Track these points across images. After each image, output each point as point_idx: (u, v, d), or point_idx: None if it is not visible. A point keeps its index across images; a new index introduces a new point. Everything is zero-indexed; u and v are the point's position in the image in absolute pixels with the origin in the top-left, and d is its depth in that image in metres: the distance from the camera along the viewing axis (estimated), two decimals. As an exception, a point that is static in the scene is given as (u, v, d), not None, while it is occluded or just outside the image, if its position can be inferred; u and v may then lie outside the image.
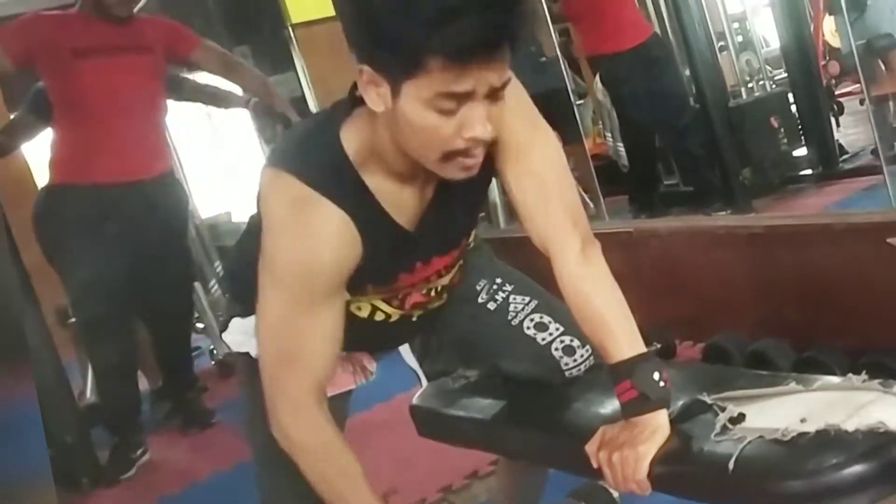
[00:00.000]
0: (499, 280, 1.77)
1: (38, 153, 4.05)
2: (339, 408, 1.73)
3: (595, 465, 1.43)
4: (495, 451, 1.98)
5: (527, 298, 1.75)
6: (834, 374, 2.44)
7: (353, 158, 1.38)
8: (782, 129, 5.12)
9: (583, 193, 4.75)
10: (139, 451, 3.62)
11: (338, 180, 1.37)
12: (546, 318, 1.72)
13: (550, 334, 1.71)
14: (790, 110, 5.24)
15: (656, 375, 1.39)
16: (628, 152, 5.24)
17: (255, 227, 1.56)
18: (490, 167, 1.47)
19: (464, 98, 1.25)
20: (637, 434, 1.38)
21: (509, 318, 1.73)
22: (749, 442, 1.29)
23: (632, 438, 1.38)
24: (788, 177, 5.17)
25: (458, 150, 1.30)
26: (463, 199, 1.51)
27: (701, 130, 4.99)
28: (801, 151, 5.26)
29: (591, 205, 4.34)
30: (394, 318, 1.62)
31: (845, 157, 5.24)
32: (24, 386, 1.21)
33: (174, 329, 3.89)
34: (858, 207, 4.35)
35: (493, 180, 1.58)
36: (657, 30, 5.23)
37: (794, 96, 5.24)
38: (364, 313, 1.59)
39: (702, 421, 1.40)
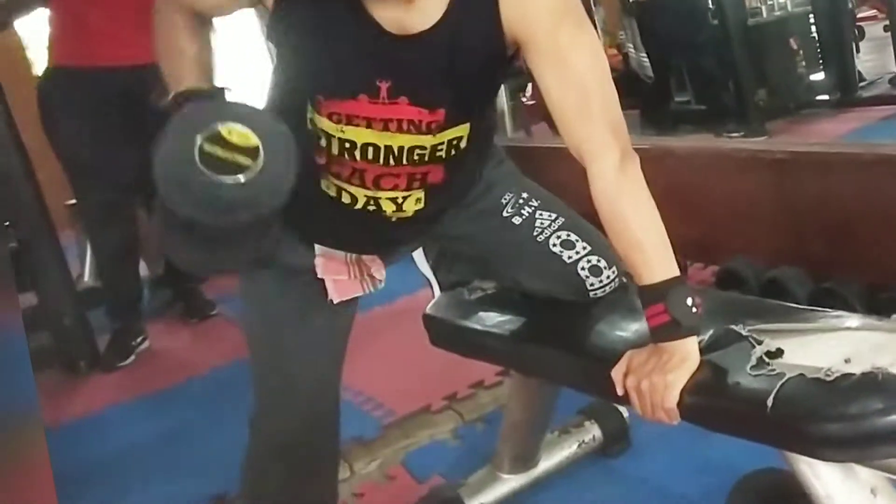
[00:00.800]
0: (525, 195, 1.70)
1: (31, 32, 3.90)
2: (346, 314, 1.70)
3: (620, 392, 1.39)
4: (513, 368, 1.95)
5: (553, 215, 1.69)
6: (852, 306, 2.42)
7: None
8: (801, 52, 5.02)
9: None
10: (139, 339, 3.61)
11: None
12: (573, 236, 1.66)
13: (577, 252, 1.65)
14: (810, 32, 5.12)
15: (689, 301, 1.33)
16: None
17: None
18: (496, 47, 1.38)
19: None
20: (666, 361, 1.33)
21: (535, 233, 1.67)
22: (788, 379, 1.24)
23: (661, 365, 1.33)
24: (804, 101, 5.08)
25: None
26: (457, 59, 1.38)
27: (718, 48, 4.89)
28: (818, 76, 5.16)
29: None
30: (360, 203, 1.52)
31: (863, 84, 5.15)
32: (10, 314, 1.17)
33: None
34: (876, 137, 4.29)
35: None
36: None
37: (815, 18, 5.11)
38: (332, 192, 1.52)
39: (734, 352, 1.35)
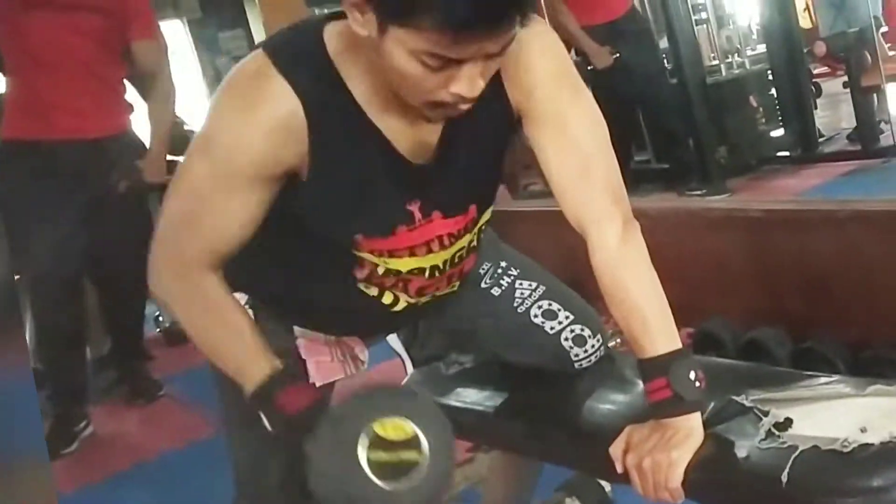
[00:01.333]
0: (504, 263, 1.63)
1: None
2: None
3: (620, 470, 1.31)
4: (496, 446, 1.84)
5: (534, 284, 1.62)
6: (835, 366, 2.35)
7: (331, 49, 1.21)
8: (761, 109, 5.06)
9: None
10: (82, 424, 3.40)
11: (306, 62, 1.21)
12: (555, 306, 1.59)
13: (560, 322, 1.58)
14: (769, 90, 5.17)
15: (693, 375, 1.28)
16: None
17: None
18: (505, 122, 1.33)
19: (455, 62, 1.10)
20: (669, 437, 1.26)
21: (515, 304, 1.59)
22: (802, 451, 1.17)
23: (664, 442, 1.26)
24: (765, 158, 5.10)
25: (441, 102, 1.16)
26: (476, 154, 1.34)
27: (678, 107, 4.91)
28: (778, 132, 5.19)
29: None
30: (400, 306, 1.46)
31: (821, 139, 5.19)
32: (19, 357, 1.09)
33: (129, 292, 3.67)
34: (838, 193, 4.29)
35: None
36: (636, 4, 5.14)
37: (774, 76, 5.17)
38: (373, 292, 1.43)
39: (739, 424, 1.28)
